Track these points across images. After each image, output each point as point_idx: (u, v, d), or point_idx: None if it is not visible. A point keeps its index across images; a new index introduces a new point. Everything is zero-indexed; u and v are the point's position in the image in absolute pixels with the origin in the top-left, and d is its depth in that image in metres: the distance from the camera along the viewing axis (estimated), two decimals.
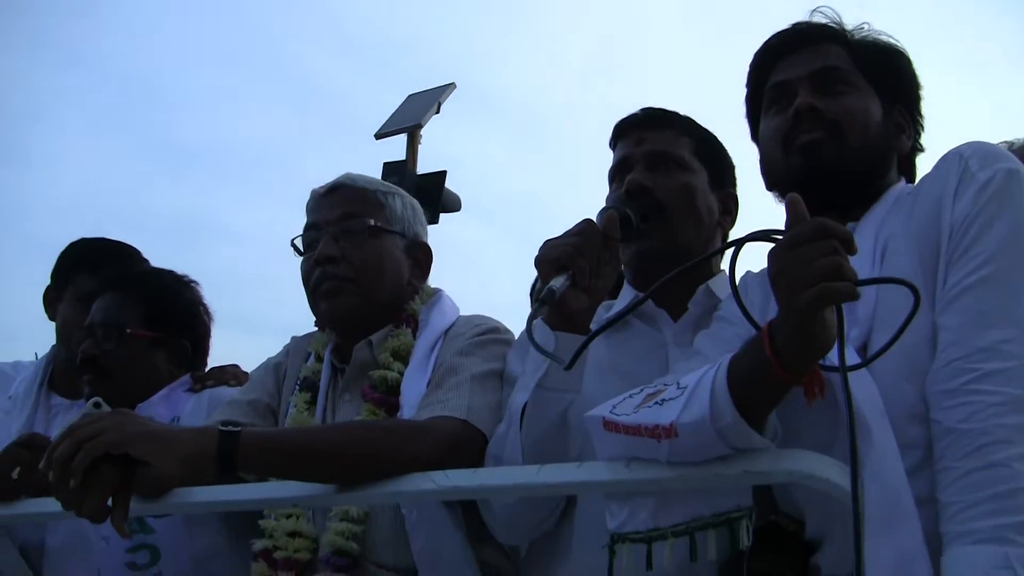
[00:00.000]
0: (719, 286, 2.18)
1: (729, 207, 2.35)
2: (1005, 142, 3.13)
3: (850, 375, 1.66)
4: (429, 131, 11.29)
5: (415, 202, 2.61)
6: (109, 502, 1.92)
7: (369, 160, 11.72)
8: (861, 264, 1.84)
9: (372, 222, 2.47)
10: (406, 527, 2.22)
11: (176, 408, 2.78)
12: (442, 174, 10.67)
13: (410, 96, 11.72)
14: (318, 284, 2.44)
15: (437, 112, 11.37)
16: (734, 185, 2.40)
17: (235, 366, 3.06)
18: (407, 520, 2.21)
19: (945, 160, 1.92)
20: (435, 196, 10.37)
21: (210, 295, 3.10)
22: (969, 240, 1.80)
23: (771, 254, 1.59)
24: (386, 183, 2.59)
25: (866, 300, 1.82)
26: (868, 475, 1.63)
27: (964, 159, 1.87)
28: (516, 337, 2.38)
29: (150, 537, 2.64)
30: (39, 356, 3.33)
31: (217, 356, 3.13)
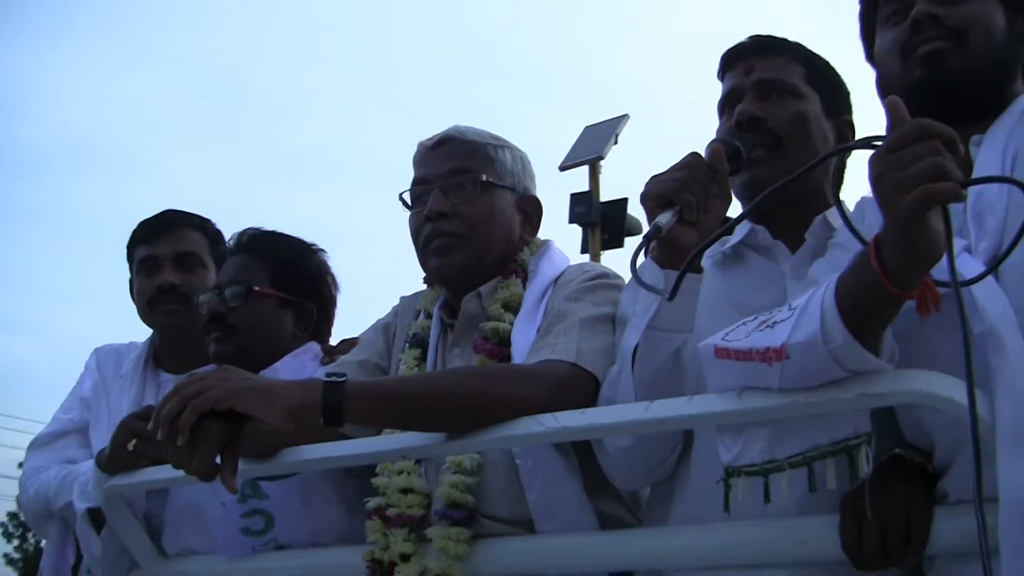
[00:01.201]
0: (836, 216, 2.09)
1: (845, 135, 2.26)
2: None
3: (980, 287, 1.59)
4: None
5: (525, 155, 2.55)
6: (218, 459, 1.93)
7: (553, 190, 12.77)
8: (991, 172, 1.76)
9: (483, 177, 2.42)
10: (520, 479, 2.18)
11: (301, 374, 2.78)
12: (624, 201, 11.91)
13: (587, 128, 12.82)
14: (428, 240, 2.40)
15: (615, 143, 12.41)
16: (850, 112, 2.29)
17: None
18: (521, 471, 2.17)
19: None
20: (619, 221, 11.96)
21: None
22: None
23: (871, 160, 1.52)
24: (496, 135, 2.53)
25: (996, 210, 1.73)
26: (1001, 391, 1.55)
27: None
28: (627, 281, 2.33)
29: (264, 503, 2.65)
30: None
31: None
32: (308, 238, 3.09)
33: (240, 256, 2.97)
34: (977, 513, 1.42)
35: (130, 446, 2.42)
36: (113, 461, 2.48)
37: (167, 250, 3.24)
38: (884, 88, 2.02)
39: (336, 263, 3.12)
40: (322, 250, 3.11)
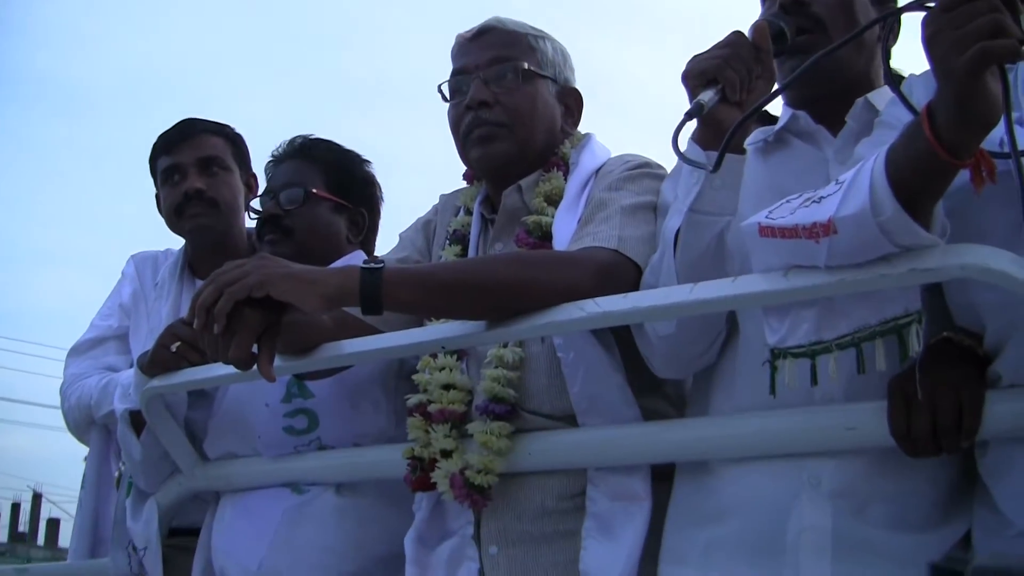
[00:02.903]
0: (878, 98, 2.03)
1: (892, 23, 2.19)
2: None
3: None
4: None
5: (564, 47, 2.51)
6: (255, 349, 1.92)
7: None
8: None
9: (525, 65, 2.38)
10: (563, 371, 2.15)
11: None
12: None
13: None
14: (470, 130, 2.36)
15: None
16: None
17: None
18: (563, 363, 2.14)
19: None
20: None
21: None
22: None
23: (925, 21, 1.46)
24: (536, 27, 2.48)
25: None
26: None
27: None
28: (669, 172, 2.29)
29: (309, 402, 2.64)
30: None
31: None
32: None
33: (293, 161, 2.96)
34: None
35: (174, 347, 2.42)
36: (155, 363, 2.48)
37: (189, 157, 3.21)
38: None
39: (387, 188, 3.13)
40: (368, 161, 3.10)
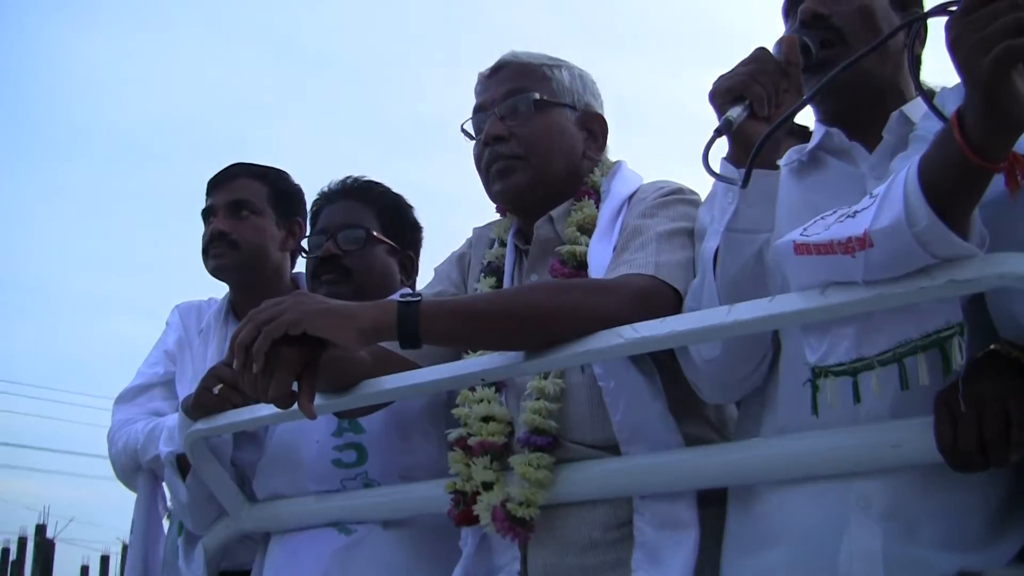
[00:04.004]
0: (914, 111, 2.01)
1: (918, 30, 2.17)
2: None
3: None
4: None
5: (586, 73, 2.51)
6: (295, 387, 1.91)
7: None
8: None
9: (537, 95, 2.39)
10: (604, 400, 2.13)
11: None
12: None
13: None
14: (488, 166, 2.39)
15: None
16: (920, 3, 2.21)
17: None
18: (604, 391, 2.12)
19: None
20: None
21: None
22: None
23: (948, 25, 1.45)
24: (552, 56, 2.48)
25: None
26: None
27: None
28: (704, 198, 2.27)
29: (360, 436, 2.67)
30: None
31: None
32: None
33: (348, 201, 2.98)
34: None
35: (215, 389, 2.43)
36: (198, 406, 2.50)
37: (221, 199, 3.28)
38: None
39: (433, 227, 3.19)
40: (413, 206, 3.14)
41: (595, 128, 2.47)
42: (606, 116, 2.51)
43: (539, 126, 2.37)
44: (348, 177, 3.03)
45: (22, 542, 28.36)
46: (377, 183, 3.05)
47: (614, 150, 2.52)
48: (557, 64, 2.46)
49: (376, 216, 2.95)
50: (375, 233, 2.91)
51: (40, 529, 27.99)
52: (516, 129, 2.36)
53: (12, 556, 28.03)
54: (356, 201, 2.97)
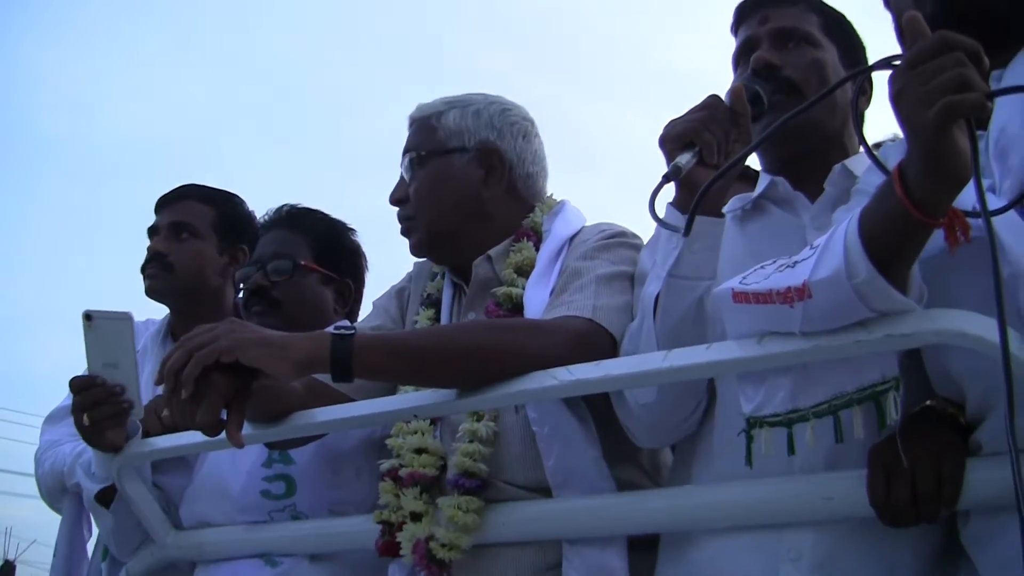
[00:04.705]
0: (856, 164, 2.02)
1: (864, 87, 2.18)
2: None
3: (1005, 228, 1.50)
4: None
5: (486, 107, 2.43)
6: (224, 415, 1.87)
7: None
8: (1014, 109, 1.66)
9: (417, 153, 2.40)
10: (538, 444, 2.11)
11: None
12: None
13: None
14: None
15: None
16: (867, 61, 2.23)
17: None
18: (539, 437, 2.10)
19: None
20: None
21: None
22: None
23: (891, 78, 1.44)
24: (449, 98, 2.45)
25: (1020, 146, 1.63)
26: None
27: None
28: (646, 242, 2.26)
29: (290, 468, 2.63)
30: None
31: None
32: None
33: (280, 231, 2.93)
34: (1012, 463, 1.34)
35: (163, 414, 2.41)
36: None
37: (165, 219, 3.25)
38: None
39: (382, 254, 3.18)
40: (354, 230, 3.09)
41: (494, 162, 2.41)
42: (532, 140, 2.47)
43: (422, 183, 2.39)
44: (284, 205, 2.99)
45: None
46: (313, 210, 3.01)
47: (573, 189, 2.50)
48: (449, 107, 2.43)
49: (308, 245, 2.90)
50: (303, 263, 2.86)
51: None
52: (410, 189, 2.41)
53: None
54: (287, 230, 2.93)
